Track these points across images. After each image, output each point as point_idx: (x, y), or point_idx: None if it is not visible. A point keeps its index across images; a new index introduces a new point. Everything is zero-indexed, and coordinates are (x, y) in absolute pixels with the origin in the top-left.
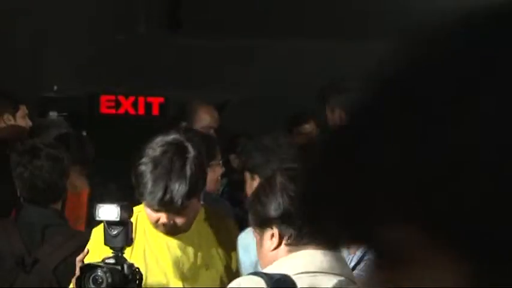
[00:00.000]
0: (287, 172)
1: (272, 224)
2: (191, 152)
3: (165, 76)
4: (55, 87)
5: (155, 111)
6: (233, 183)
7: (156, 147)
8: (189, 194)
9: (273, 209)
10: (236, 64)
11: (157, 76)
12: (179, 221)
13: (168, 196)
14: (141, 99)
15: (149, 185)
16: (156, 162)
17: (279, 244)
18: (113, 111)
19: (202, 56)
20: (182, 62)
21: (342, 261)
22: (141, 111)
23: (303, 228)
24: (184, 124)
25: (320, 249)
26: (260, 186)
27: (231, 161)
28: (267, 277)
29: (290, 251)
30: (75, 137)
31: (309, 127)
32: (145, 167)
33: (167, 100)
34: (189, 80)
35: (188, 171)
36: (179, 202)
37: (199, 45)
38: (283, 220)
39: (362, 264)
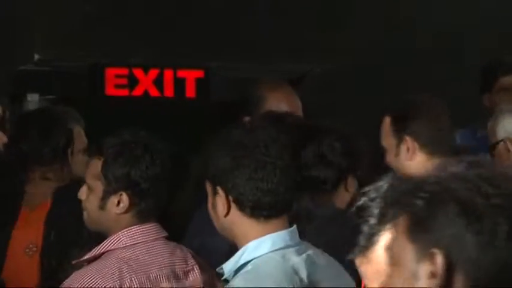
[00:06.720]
0: None
1: None
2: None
3: (207, 38)
4: (36, 57)
5: (190, 91)
6: None
7: None
8: None
9: None
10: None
11: (193, 38)
12: None
13: None
14: (168, 74)
15: None
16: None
17: None
18: (125, 92)
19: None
20: (237, 13)
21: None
22: (169, 91)
23: None
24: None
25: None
26: None
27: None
28: None
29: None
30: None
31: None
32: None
33: (209, 74)
34: (247, 44)
35: None
36: None
37: None
38: None
39: None
